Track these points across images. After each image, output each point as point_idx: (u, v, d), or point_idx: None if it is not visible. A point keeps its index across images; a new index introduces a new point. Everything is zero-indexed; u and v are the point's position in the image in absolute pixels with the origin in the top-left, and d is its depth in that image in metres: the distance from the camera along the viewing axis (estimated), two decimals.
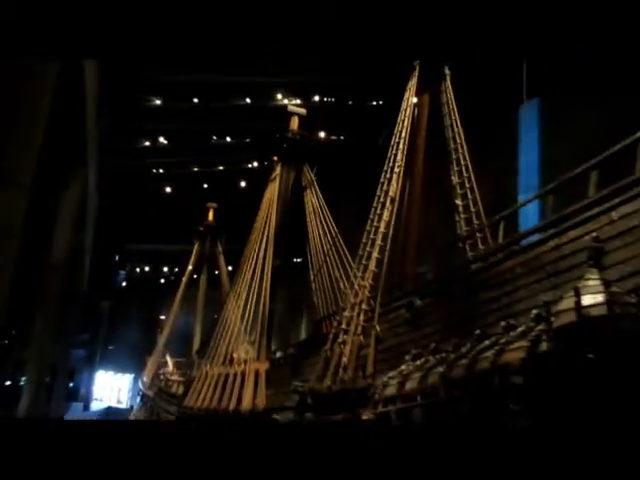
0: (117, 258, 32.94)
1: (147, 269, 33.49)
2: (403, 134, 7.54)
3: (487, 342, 3.88)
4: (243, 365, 9.11)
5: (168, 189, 28.50)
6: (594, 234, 3.56)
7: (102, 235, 24.98)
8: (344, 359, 6.39)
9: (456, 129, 7.48)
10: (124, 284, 33.86)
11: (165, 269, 32.56)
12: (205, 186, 27.35)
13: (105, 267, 29.83)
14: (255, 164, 26.08)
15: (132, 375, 30.79)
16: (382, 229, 7.01)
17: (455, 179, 7.34)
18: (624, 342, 3.00)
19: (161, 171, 27.88)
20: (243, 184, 26.99)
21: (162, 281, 32.36)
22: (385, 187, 7.32)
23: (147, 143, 25.32)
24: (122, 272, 33.83)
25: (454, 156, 7.37)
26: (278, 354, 10.20)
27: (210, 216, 20.84)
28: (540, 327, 3.49)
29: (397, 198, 7.27)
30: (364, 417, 5.35)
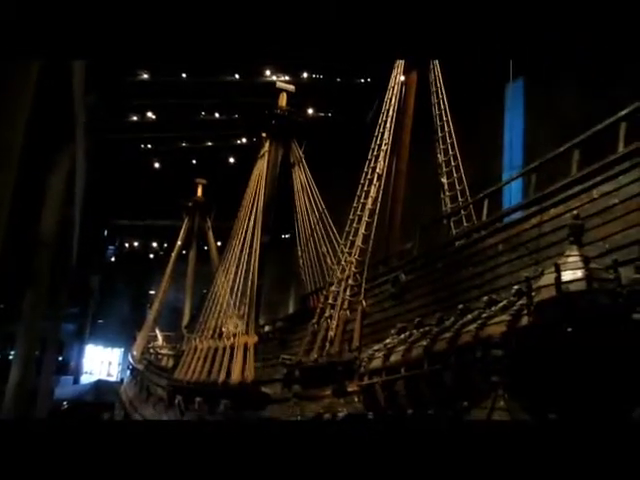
0: (106, 233, 32.74)
1: (136, 244, 33.38)
2: (390, 112, 7.54)
3: (470, 316, 3.97)
4: (232, 339, 9.21)
5: (157, 165, 28.21)
6: (575, 212, 3.62)
7: (91, 211, 24.76)
8: (331, 333, 6.51)
9: (442, 107, 7.50)
10: (113, 259, 33.77)
11: (154, 244, 32.47)
12: (194, 162, 27.11)
13: (94, 242, 29.66)
14: (244, 140, 25.83)
15: (122, 349, 30.99)
16: (369, 205, 7.06)
17: (441, 157, 7.39)
18: (601, 316, 3.09)
19: (149, 147, 27.53)
20: (232, 160, 26.78)
21: (151, 256, 32.32)
22: (372, 164, 7.34)
23: (135, 118, 24.93)
24: (111, 247, 33.70)
25: (440, 134, 7.41)
26: (266, 328, 10.33)
27: (199, 192, 20.71)
28: (521, 302, 3.58)
29: (384, 175, 7.31)
30: (350, 389, 5.49)
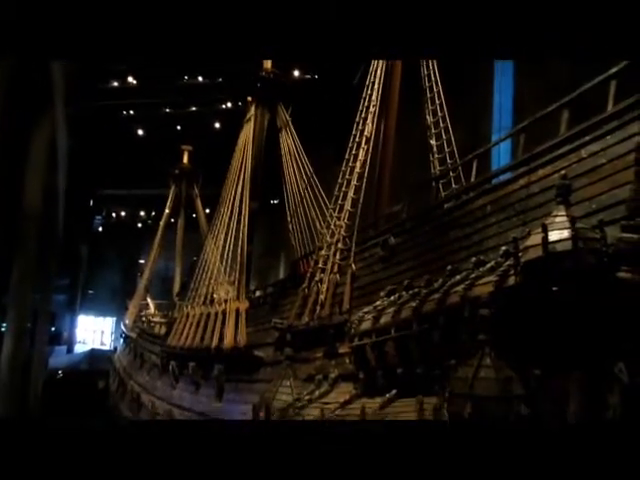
0: (92, 203, 32.32)
1: (123, 214, 33.05)
2: (378, 73, 7.39)
3: (458, 277, 4.02)
4: (224, 305, 9.27)
5: (140, 132, 27.62)
6: (563, 172, 3.62)
7: (75, 180, 24.34)
8: (321, 296, 6.57)
9: (431, 67, 7.37)
10: (100, 229, 33.47)
11: (142, 213, 32.17)
12: (178, 128, 26.57)
13: (80, 213, 29.30)
14: (229, 105, 25.29)
15: (114, 318, 31.13)
16: (357, 169, 7.02)
17: (429, 118, 7.31)
18: (586, 275, 3.14)
19: (132, 113, 26.86)
20: (217, 125, 26.28)
21: (139, 225, 32.07)
22: (360, 127, 7.25)
23: (115, 84, 24.21)
24: (98, 217, 33.35)
25: (429, 95, 7.30)
26: (257, 293, 10.41)
27: (185, 159, 20.42)
28: (508, 262, 3.62)
29: (372, 138, 7.23)
30: (341, 350, 5.59)
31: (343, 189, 7.16)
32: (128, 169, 26.95)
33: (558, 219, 3.30)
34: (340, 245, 6.85)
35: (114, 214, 33.17)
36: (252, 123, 11.33)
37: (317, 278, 6.91)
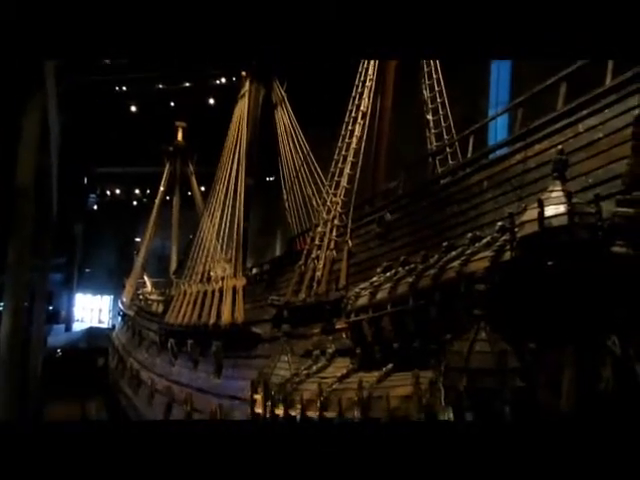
0: (86, 181, 32.09)
1: (118, 192, 32.87)
2: None
3: (454, 253, 4.03)
4: (220, 282, 9.31)
5: (133, 108, 27.23)
6: (559, 147, 3.61)
7: (68, 158, 24.09)
8: (318, 273, 6.60)
9: None
10: (95, 208, 33.32)
11: (137, 191, 32.00)
12: (172, 104, 26.21)
13: (74, 191, 29.10)
14: (223, 80, 24.92)
15: (111, 296, 31.24)
16: (354, 145, 6.97)
17: (426, 93, 7.23)
18: (581, 250, 3.15)
19: (124, 89, 26.43)
20: (212, 102, 25.93)
21: (135, 203, 31.94)
22: (356, 102, 7.17)
23: (107, 59, 23.75)
24: (92, 196, 33.17)
25: (425, 69, 7.21)
26: (254, 270, 10.44)
27: (179, 136, 20.21)
28: (504, 238, 3.63)
29: (369, 113, 7.17)
30: (338, 326, 5.64)
31: (339, 165, 7.12)
32: (122, 146, 26.69)
33: (554, 194, 3.31)
34: (336, 222, 6.85)
35: (109, 192, 32.98)
36: (247, 99, 11.19)
37: (313, 255, 6.93)
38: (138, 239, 25.34)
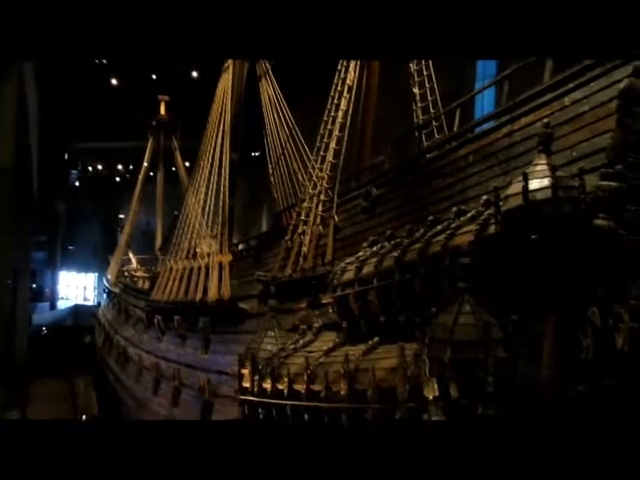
0: (67, 157, 31.41)
1: (100, 167, 32.26)
2: None
3: (439, 227, 4.05)
4: (207, 258, 9.28)
5: (114, 81, 26.52)
6: (545, 120, 3.61)
7: (48, 134, 23.50)
8: (304, 248, 6.61)
9: None
10: (77, 184, 32.71)
11: (119, 167, 31.43)
12: (154, 77, 25.58)
13: (55, 167, 28.51)
14: None
15: (96, 274, 31.01)
16: (340, 119, 6.90)
17: (413, 66, 7.15)
18: (565, 223, 3.19)
19: (104, 62, 25.67)
20: (195, 74, 25.36)
21: (117, 179, 31.42)
22: (342, 74, 7.07)
23: None
24: (74, 172, 32.51)
25: None
26: (240, 246, 10.42)
27: (162, 109, 19.82)
28: (489, 211, 3.65)
29: (355, 87, 7.08)
30: (324, 301, 5.68)
31: (325, 140, 7.06)
32: (103, 121, 26.09)
33: (539, 167, 3.32)
34: (322, 197, 6.83)
35: (90, 168, 32.37)
36: (231, 72, 10.97)
37: (300, 230, 6.92)
38: (122, 215, 25.06)
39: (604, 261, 3.04)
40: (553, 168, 3.27)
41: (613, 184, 3.12)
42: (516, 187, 3.34)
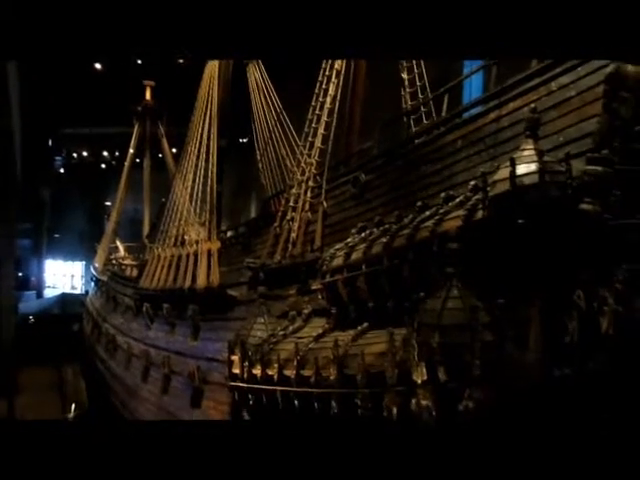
0: (51, 143, 30.88)
1: (85, 154, 31.74)
2: None
3: (427, 213, 4.06)
4: (195, 246, 9.23)
5: (98, 66, 26.01)
6: (533, 105, 3.62)
7: (32, 120, 23.04)
8: (293, 235, 6.60)
9: None
10: (62, 171, 32.20)
11: (105, 153, 30.97)
12: (139, 62, 25.13)
13: (39, 154, 28.03)
14: None
15: (83, 262, 30.72)
16: (328, 104, 6.85)
17: None
18: (551, 208, 3.21)
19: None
20: (181, 60, 24.95)
21: (103, 166, 30.97)
22: (330, 60, 7.01)
23: None
24: (58, 158, 31.97)
25: None
26: (229, 233, 10.38)
27: (148, 95, 19.51)
28: (477, 197, 3.67)
29: (343, 72, 7.02)
30: (314, 287, 5.69)
31: (313, 125, 7.01)
32: (87, 106, 25.65)
33: (526, 152, 3.34)
34: (311, 183, 6.80)
35: (75, 154, 31.83)
36: None
37: (288, 217, 6.90)
38: (108, 203, 24.77)
39: (589, 245, 3.07)
40: (540, 153, 3.29)
41: (599, 169, 3.15)
42: (503, 172, 3.35)
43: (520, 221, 3.22)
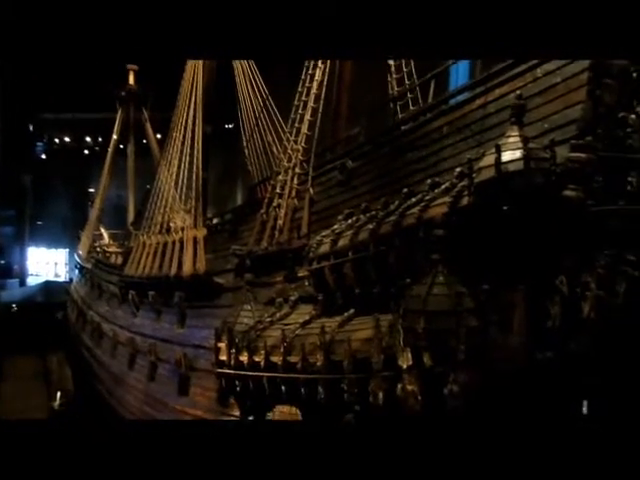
0: (32, 129, 30.24)
1: (67, 139, 31.13)
2: None
3: (413, 199, 4.07)
4: (181, 233, 9.16)
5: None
6: (518, 92, 3.62)
7: (10, 105, 22.53)
8: (279, 222, 6.57)
9: None
10: (43, 156, 31.59)
11: (88, 139, 30.41)
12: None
13: (19, 139, 27.47)
14: None
15: (66, 249, 30.34)
16: (314, 90, 6.79)
17: None
18: (536, 194, 3.24)
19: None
20: None
21: (86, 152, 30.43)
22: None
23: None
24: (39, 144, 31.34)
25: None
26: (215, 220, 10.31)
27: (131, 79, 19.15)
28: (462, 183, 3.68)
29: None
30: (300, 274, 5.70)
31: (299, 111, 6.95)
32: (68, 91, 25.12)
33: (511, 139, 3.35)
34: (297, 169, 6.77)
35: (57, 140, 31.21)
36: None
37: (275, 203, 6.87)
38: (92, 189, 24.41)
39: (572, 231, 3.11)
40: (525, 140, 3.30)
41: (582, 156, 3.17)
42: (489, 159, 3.37)
43: (505, 207, 3.24)
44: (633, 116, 3.11)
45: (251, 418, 5.76)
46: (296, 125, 7.00)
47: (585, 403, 3.08)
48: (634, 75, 3.12)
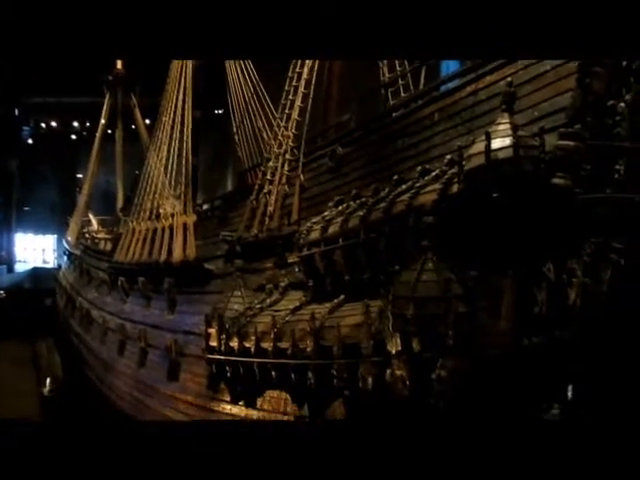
0: (17, 113, 29.70)
1: (54, 124, 30.61)
2: None
3: (404, 186, 4.09)
4: (170, 219, 9.12)
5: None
6: (509, 79, 3.63)
7: None
8: (270, 208, 6.56)
9: None
10: (30, 141, 31.08)
11: (75, 124, 29.92)
12: None
13: (5, 123, 26.99)
14: None
15: (55, 235, 30.05)
16: (305, 75, 6.73)
17: None
18: (525, 182, 3.27)
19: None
20: None
21: (74, 137, 29.96)
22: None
23: None
24: (25, 128, 30.80)
25: None
26: (205, 206, 10.27)
27: (119, 63, 18.86)
28: (452, 171, 3.70)
29: None
30: (290, 260, 5.71)
31: (290, 97, 6.90)
32: (55, 74, 24.67)
33: (501, 127, 3.36)
34: (288, 156, 6.74)
35: (44, 125, 30.67)
36: None
37: (265, 190, 6.85)
38: (80, 175, 24.14)
39: (560, 218, 3.15)
40: (515, 127, 3.32)
41: (571, 144, 3.19)
42: (479, 146, 3.38)
43: (494, 195, 3.26)
44: (622, 104, 3.12)
45: (241, 404, 5.80)
46: (287, 111, 6.96)
47: (570, 389, 3.14)
48: (623, 64, 3.13)
